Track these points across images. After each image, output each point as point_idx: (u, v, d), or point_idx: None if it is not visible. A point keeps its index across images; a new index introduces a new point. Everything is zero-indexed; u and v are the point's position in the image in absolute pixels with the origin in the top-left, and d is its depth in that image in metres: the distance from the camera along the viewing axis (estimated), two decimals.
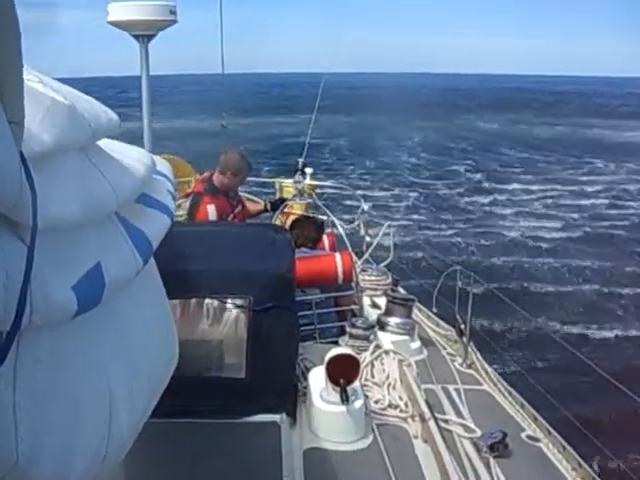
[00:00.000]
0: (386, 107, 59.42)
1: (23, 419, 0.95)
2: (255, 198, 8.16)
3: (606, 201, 24.39)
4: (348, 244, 5.60)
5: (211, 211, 5.71)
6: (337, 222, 6.17)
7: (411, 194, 25.22)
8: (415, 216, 21.34)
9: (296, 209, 7.60)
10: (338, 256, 5.20)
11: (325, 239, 6.18)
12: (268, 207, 6.81)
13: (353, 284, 5.29)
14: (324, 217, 6.49)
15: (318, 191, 9.13)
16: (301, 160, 7.88)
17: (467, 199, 24.49)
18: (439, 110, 60.85)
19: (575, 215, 21.95)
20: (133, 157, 1.64)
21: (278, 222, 6.76)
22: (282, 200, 7.06)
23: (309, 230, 5.83)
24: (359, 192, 10.79)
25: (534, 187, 27.10)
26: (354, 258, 5.79)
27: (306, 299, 4.88)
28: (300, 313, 4.45)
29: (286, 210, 6.99)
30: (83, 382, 1.22)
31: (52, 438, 1.07)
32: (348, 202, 13.16)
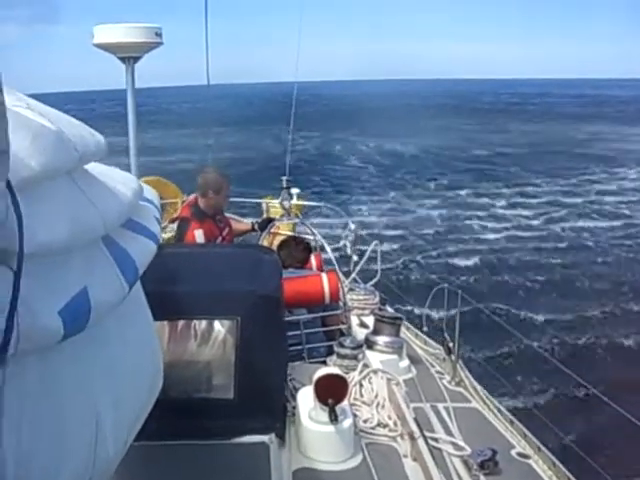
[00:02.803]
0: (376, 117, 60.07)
1: (10, 445, 0.96)
2: (241, 219, 8.16)
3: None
4: (335, 264, 5.61)
5: (199, 235, 5.72)
6: (324, 242, 6.19)
7: (390, 210, 25.29)
8: (400, 233, 21.35)
9: (283, 229, 7.62)
10: (324, 276, 5.21)
11: (312, 259, 6.20)
12: (255, 227, 6.83)
13: (340, 303, 5.30)
14: (311, 237, 6.51)
15: (305, 210, 9.14)
16: (285, 178, 7.88)
17: (449, 213, 24.46)
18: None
19: (561, 230, 22.01)
20: (120, 182, 1.65)
21: (265, 243, 6.77)
22: (269, 220, 7.08)
23: (297, 250, 5.84)
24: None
25: (517, 199, 27.18)
26: (341, 277, 5.80)
27: (293, 319, 4.88)
28: (288, 333, 4.45)
29: (273, 230, 7.01)
30: (69, 406, 1.22)
31: (38, 463, 1.07)
32: (335, 221, 13.17)
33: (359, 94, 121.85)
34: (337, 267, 5.60)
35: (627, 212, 24.95)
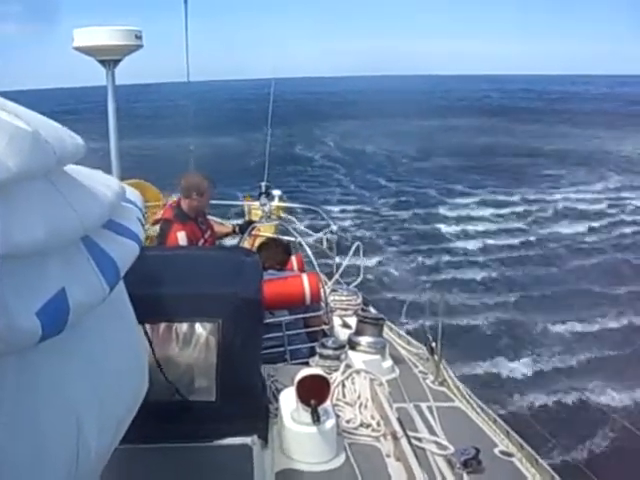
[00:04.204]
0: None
1: None
2: (222, 221, 8.16)
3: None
4: (316, 265, 5.62)
5: (181, 237, 5.72)
6: (304, 243, 6.19)
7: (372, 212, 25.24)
8: (383, 234, 21.35)
9: (265, 231, 7.63)
10: (305, 277, 5.23)
11: (294, 261, 6.21)
12: (236, 229, 6.84)
13: (322, 304, 5.30)
14: (292, 239, 6.51)
15: (286, 213, 9.15)
16: (264, 183, 7.91)
17: (427, 218, 24.27)
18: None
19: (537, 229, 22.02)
20: (101, 183, 1.64)
21: (246, 244, 6.77)
22: (250, 222, 7.09)
23: (276, 252, 5.86)
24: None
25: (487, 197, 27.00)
26: (324, 278, 5.80)
27: (275, 321, 4.88)
28: (270, 335, 4.45)
29: (254, 232, 7.02)
30: (49, 407, 1.21)
31: (16, 467, 1.07)
32: (318, 222, 13.14)
33: (343, 91, 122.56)
34: (317, 268, 5.61)
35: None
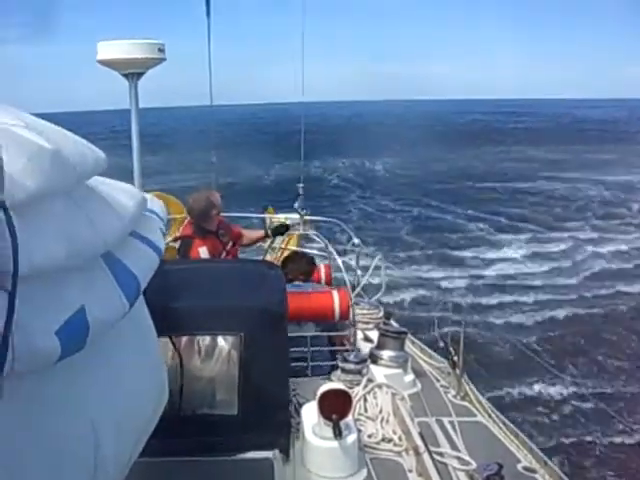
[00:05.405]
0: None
1: (5, 467, 0.95)
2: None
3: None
4: (346, 276, 5.58)
5: (203, 252, 5.73)
6: (335, 253, 6.17)
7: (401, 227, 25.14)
8: (404, 249, 21.23)
9: (289, 244, 7.63)
10: (336, 293, 5.21)
11: (322, 271, 6.20)
12: (269, 233, 6.78)
13: (349, 322, 5.28)
14: (316, 251, 6.50)
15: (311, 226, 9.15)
16: (301, 185, 7.87)
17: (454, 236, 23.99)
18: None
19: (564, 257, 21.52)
20: (124, 195, 1.64)
21: (269, 258, 6.77)
22: (283, 226, 7.03)
23: (301, 264, 5.86)
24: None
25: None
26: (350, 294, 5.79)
27: (300, 335, 4.87)
28: (294, 348, 4.43)
29: (282, 245, 7.01)
30: (66, 424, 1.21)
31: (36, 479, 1.07)
32: (339, 236, 13.12)
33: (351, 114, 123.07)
34: (347, 280, 5.57)
35: None
